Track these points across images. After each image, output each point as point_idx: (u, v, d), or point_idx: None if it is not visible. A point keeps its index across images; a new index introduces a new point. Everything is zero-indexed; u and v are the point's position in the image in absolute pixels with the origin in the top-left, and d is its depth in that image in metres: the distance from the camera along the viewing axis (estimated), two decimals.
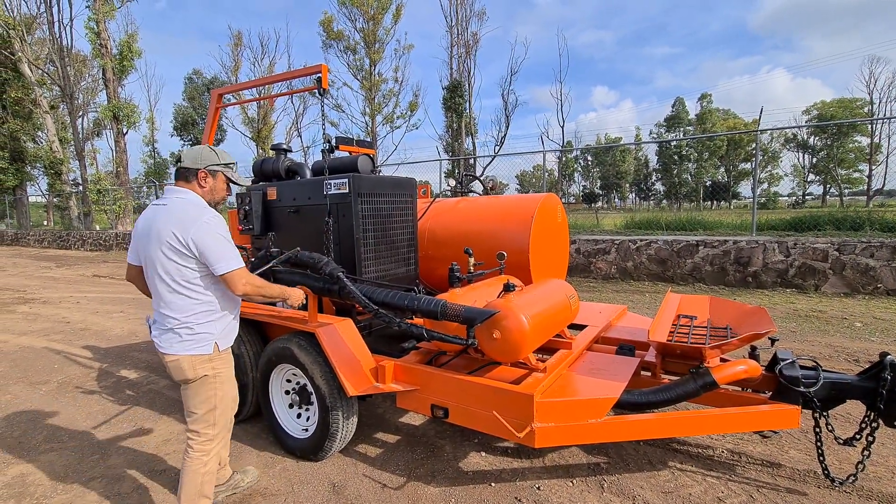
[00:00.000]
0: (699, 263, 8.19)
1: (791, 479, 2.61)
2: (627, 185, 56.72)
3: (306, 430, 2.97)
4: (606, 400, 2.35)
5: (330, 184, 3.11)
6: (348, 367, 2.68)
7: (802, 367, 2.47)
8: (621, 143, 51.72)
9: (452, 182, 4.15)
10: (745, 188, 49.81)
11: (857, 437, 2.46)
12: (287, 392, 3.10)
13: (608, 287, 8.43)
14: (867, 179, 40.80)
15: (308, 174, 3.58)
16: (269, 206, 3.53)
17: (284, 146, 3.62)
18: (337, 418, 2.73)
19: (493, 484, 2.65)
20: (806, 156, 46.38)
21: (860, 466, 2.39)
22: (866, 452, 2.37)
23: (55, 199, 30.33)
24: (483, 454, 2.97)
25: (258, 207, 3.52)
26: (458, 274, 2.74)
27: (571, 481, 2.66)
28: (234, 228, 3.93)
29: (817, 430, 2.43)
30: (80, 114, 28.76)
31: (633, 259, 8.83)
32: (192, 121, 32.55)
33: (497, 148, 22.51)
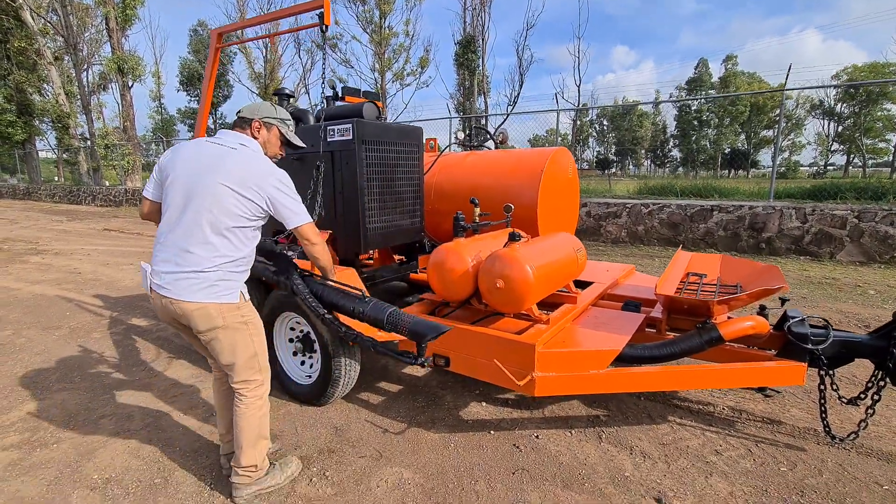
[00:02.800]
0: (712, 228, 8.02)
1: (791, 435, 2.61)
2: (643, 152, 55.25)
3: (309, 376, 3.01)
4: (608, 352, 2.33)
5: (333, 129, 3.01)
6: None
7: (812, 326, 2.41)
8: (642, 102, 49.82)
9: (461, 135, 4.01)
10: (765, 157, 48.32)
11: (862, 396, 2.43)
12: (290, 340, 3.12)
13: (617, 251, 8.33)
14: (893, 150, 39.27)
15: (312, 121, 3.47)
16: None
17: (287, 91, 3.49)
18: (339, 365, 2.75)
19: (492, 432, 2.68)
20: (831, 124, 44.57)
21: (862, 424, 2.37)
22: (870, 411, 2.34)
23: (65, 155, 30.35)
24: (483, 404, 3.00)
25: None
26: (462, 223, 2.67)
27: (570, 431, 2.68)
28: None
29: (822, 387, 2.40)
30: (85, 66, 28.25)
31: (644, 223, 8.68)
32: (198, 75, 31.88)
33: (510, 108, 21.89)
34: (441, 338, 2.61)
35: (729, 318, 2.53)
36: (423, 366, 2.10)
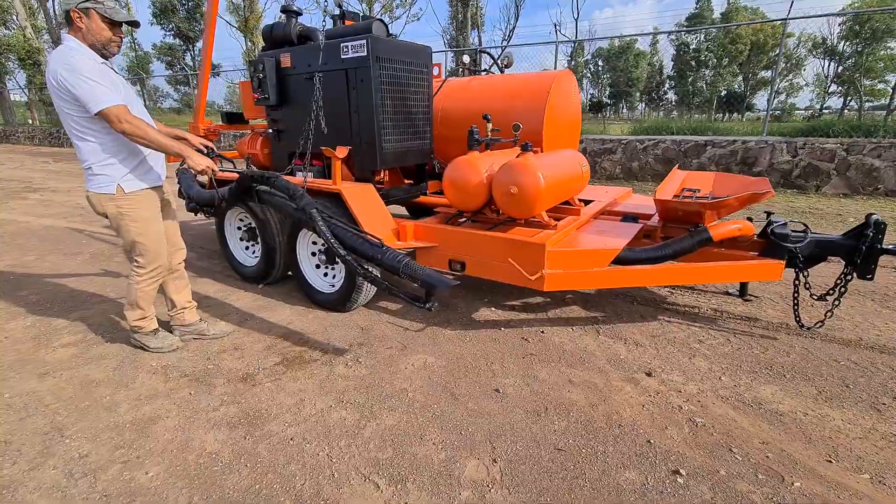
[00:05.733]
0: (704, 163, 8.20)
1: (765, 328, 2.96)
2: (638, 94, 53.93)
3: (333, 285, 3.26)
4: (609, 251, 2.59)
5: (347, 46, 3.06)
6: (373, 226, 2.88)
7: (793, 231, 2.68)
8: (642, 33, 47.72)
9: (467, 59, 3.99)
10: (760, 100, 47.58)
11: (831, 292, 2.75)
12: (313, 254, 3.35)
13: (612, 186, 8.52)
14: (891, 91, 38.80)
15: (322, 39, 3.48)
16: (283, 75, 3.49)
17: (294, 7, 3.47)
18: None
19: (502, 329, 3.00)
20: (831, 65, 43.55)
21: (828, 314, 2.71)
22: (837, 302, 2.67)
23: (36, 97, 28.83)
24: (493, 309, 3.30)
25: (272, 76, 3.47)
26: (477, 136, 2.82)
27: (571, 328, 3.00)
28: (248, 99, 3.92)
29: (796, 282, 2.70)
30: None
31: (639, 159, 8.81)
32: (171, 6, 29.90)
33: (504, 43, 21.10)
34: (457, 245, 2.86)
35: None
36: (430, 310, 2.29)
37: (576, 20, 24.45)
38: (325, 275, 3.33)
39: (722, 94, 46.41)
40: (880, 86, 40.54)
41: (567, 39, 22.24)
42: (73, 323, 3.11)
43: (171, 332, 2.84)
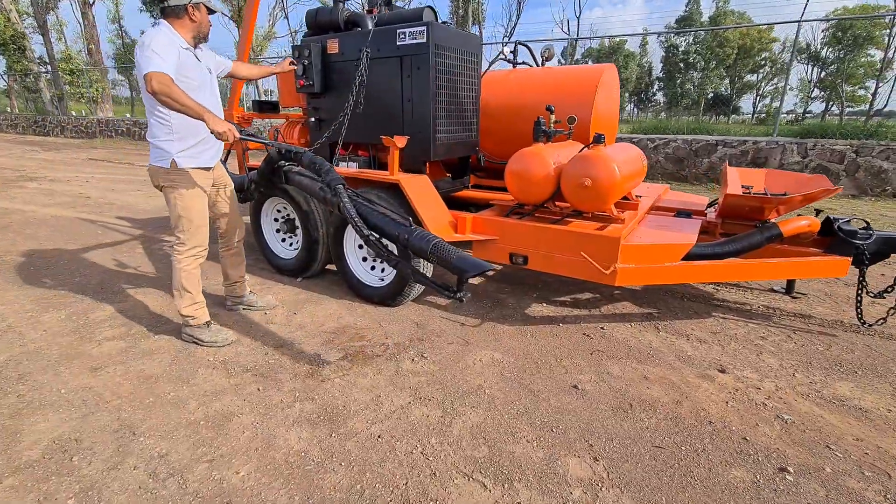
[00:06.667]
0: (715, 163, 8.27)
1: (821, 325, 2.96)
2: (627, 95, 54.45)
3: (382, 279, 3.17)
4: (682, 245, 2.56)
5: (404, 32, 2.97)
6: (432, 217, 2.81)
7: (860, 228, 2.68)
8: (639, 33, 48.00)
9: (507, 51, 3.90)
10: (745, 103, 48.57)
11: (889, 290, 2.76)
12: (360, 246, 3.25)
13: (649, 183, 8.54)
14: (871, 98, 39.88)
15: (371, 26, 3.37)
16: (330, 61, 3.38)
17: None
18: (419, 266, 2.91)
19: (560, 325, 2.95)
20: (815, 70, 44.52)
21: (891, 311, 2.72)
22: None
23: (15, 85, 27.77)
24: (544, 305, 3.25)
25: (317, 62, 3.36)
26: (544, 128, 2.76)
27: (629, 324, 2.97)
28: (285, 86, 3.79)
29: (861, 279, 2.71)
30: None
31: (649, 158, 8.84)
32: None
33: (505, 39, 21.06)
34: (519, 238, 2.79)
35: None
36: (461, 301, 2.06)
37: (578, 18, 24.45)
38: (373, 268, 3.24)
39: (709, 96, 47.19)
40: (861, 92, 41.74)
41: (565, 37, 22.29)
42: (114, 316, 2.96)
43: (223, 306, 3.01)
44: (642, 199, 3.43)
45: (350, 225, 2.32)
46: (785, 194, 3.01)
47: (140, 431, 1.93)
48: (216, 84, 2.65)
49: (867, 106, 40.13)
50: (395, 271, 3.03)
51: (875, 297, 2.82)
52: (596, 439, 1.93)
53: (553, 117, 2.87)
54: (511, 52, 4.25)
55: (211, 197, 2.67)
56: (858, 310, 2.78)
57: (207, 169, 2.57)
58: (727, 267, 2.60)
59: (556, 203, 2.85)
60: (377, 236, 2.29)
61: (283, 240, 3.73)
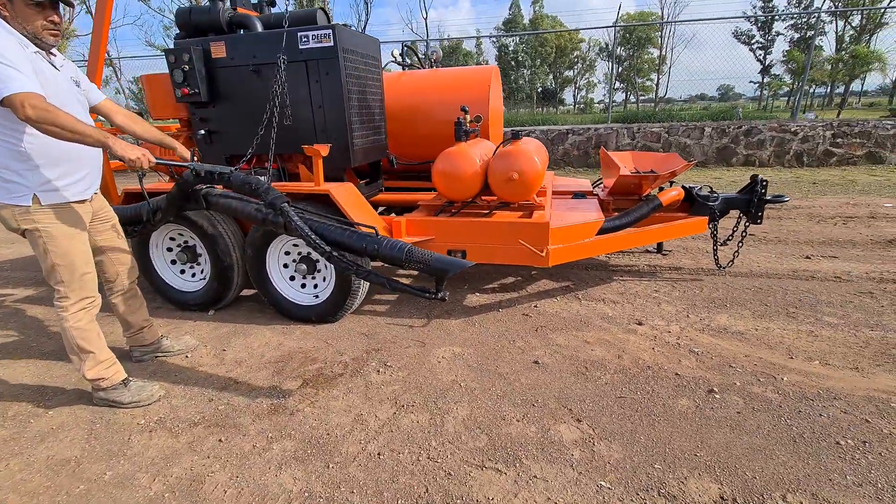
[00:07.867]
0: (568, 149, 9.47)
1: (691, 274, 3.69)
2: None
3: (316, 296, 2.99)
4: (596, 223, 2.95)
5: (307, 36, 2.82)
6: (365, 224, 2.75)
7: (710, 193, 3.40)
8: (494, 35, 51.39)
9: (396, 53, 3.88)
10: (567, 95, 56.06)
11: (730, 238, 3.58)
12: (285, 266, 3.02)
13: None
14: (656, 87, 49.41)
15: (260, 28, 3.09)
16: (215, 67, 3.03)
17: None
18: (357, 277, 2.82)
19: (500, 310, 3.15)
20: (614, 65, 53.48)
21: (736, 254, 3.53)
22: (740, 244, 3.48)
23: None
24: (479, 294, 3.43)
25: (200, 67, 2.99)
26: (466, 128, 2.89)
27: (555, 299, 3.31)
28: (154, 95, 3.28)
29: (714, 233, 3.44)
30: None
31: None
32: None
33: None
34: (455, 234, 2.91)
35: (661, 189, 3.38)
36: (443, 300, 2.06)
37: (425, 19, 25.32)
38: (304, 286, 3.04)
39: (539, 90, 53.29)
40: (648, 83, 51.49)
41: (419, 38, 22.96)
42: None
43: (130, 359, 2.40)
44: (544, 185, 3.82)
45: (306, 243, 2.12)
46: (652, 171, 3.66)
47: None
48: (85, 100, 2.17)
49: (654, 94, 49.86)
50: (330, 286, 2.90)
51: (723, 244, 3.62)
52: (573, 404, 2.16)
53: (468, 117, 3.02)
54: (401, 54, 4.31)
55: (91, 235, 2.17)
56: (715, 256, 3.54)
57: (82, 202, 2.08)
58: (629, 236, 3.08)
59: (483, 198, 3.03)
60: (340, 252, 2.17)
61: (183, 271, 3.25)
